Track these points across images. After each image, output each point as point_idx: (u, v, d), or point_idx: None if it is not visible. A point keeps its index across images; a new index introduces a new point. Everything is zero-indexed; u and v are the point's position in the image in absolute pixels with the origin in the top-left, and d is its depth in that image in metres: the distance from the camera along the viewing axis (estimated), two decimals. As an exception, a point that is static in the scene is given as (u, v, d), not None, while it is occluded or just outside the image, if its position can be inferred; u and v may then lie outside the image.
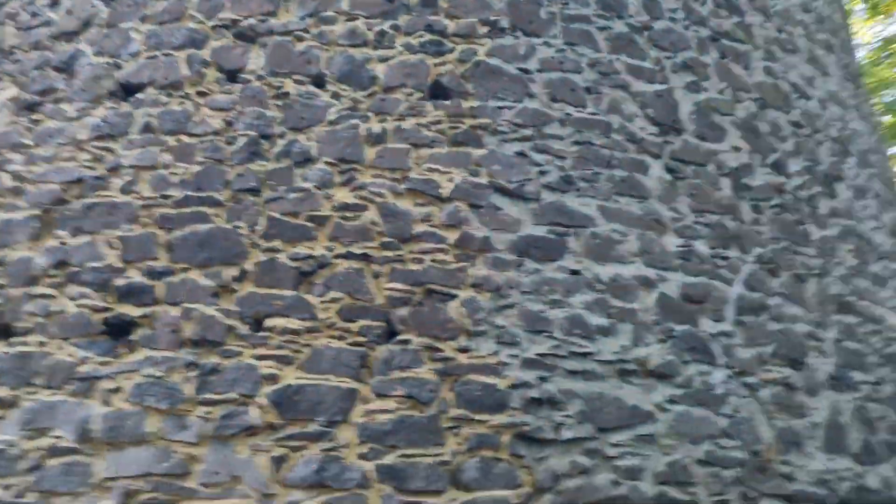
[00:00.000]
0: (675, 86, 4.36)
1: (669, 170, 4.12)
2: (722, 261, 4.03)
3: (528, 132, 3.87)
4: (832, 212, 4.81)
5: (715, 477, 3.47)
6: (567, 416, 3.34)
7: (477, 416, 3.26)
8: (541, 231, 3.69)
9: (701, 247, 4.00)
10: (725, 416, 3.65)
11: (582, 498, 3.20)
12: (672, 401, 3.56)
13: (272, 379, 3.22)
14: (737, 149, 4.41)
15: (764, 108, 4.69)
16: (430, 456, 3.16)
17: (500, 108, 3.88)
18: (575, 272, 3.64)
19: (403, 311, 3.41)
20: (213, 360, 3.25)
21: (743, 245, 4.15)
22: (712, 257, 4.00)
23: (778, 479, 3.63)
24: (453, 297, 3.46)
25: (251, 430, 3.13)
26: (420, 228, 3.56)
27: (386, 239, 3.52)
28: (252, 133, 3.68)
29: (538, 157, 3.83)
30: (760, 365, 3.89)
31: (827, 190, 4.87)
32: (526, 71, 4.01)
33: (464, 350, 3.37)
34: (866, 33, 14.12)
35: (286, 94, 3.77)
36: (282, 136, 3.69)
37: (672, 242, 3.93)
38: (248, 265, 3.43)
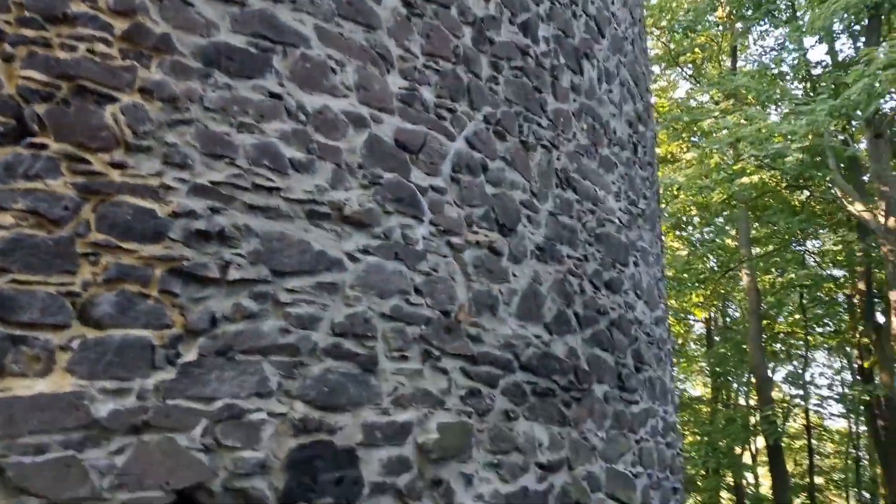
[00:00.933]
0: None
1: (407, 3, 3.71)
2: (447, 112, 3.77)
3: (240, -80, 3.21)
4: (573, 87, 4.75)
5: (398, 332, 3.32)
6: (238, 254, 2.94)
7: (124, 245, 2.74)
8: (240, 41, 3.13)
9: (427, 93, 3.70)
10: (421, 273, 3.49)
11: (241, 344, 2.87)
12: (366, 251, 3.30)
13: None
14: (486, -2, 4.11)
15: (523, -38, 4.41)
16: (54, 285, 2.62)
17: None
18: (275, 96, 3.16)
19: (41, 108, 2.73)
20: None
21: (473, 101, 3.93)
22: (437, 107, 3.73)
23: (464, 339, 3.58)
24: (113, 100, 2.83)
25: None
26: (78, 8, 2.84)
27: (27, 14, 2.76)
28: None
29: (249, -47, 3.21)
30: (468, 226, 3.76)
31: (572, 65, 4.78)
32: None
33: (118, 166, 2.79)
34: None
35: None
36: None
37: (395, 83, 3.57)
38: None
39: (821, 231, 20.24)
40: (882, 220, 15.12)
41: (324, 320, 3.11)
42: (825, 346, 26.62)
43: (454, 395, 3.47)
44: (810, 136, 13.05)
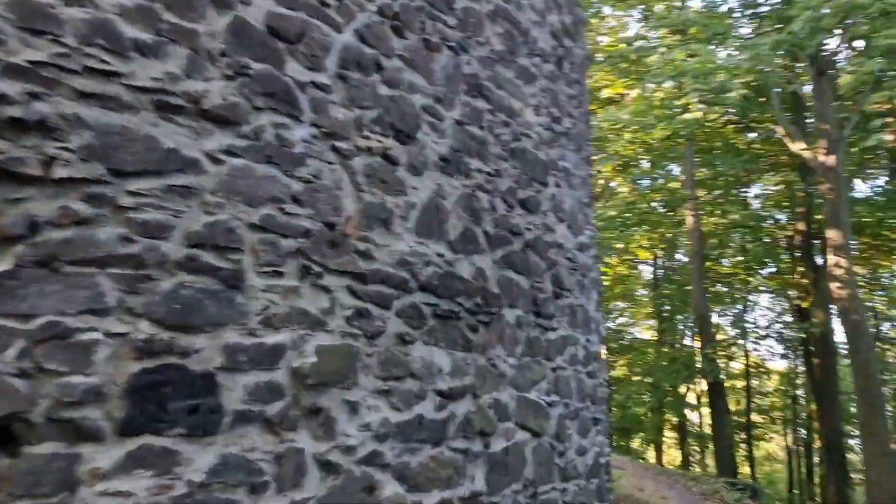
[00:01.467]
0: None
1: None
2: (332, 0, 3.34)
3: None
4: (487, -14, 4.34)
5: (270, 245, 2.94)
6: (66, 148, 2.50)
7: (-85, 133, 2.30)
8: None
9: (307, -24, 3.25)
10: (300, 180, 3.10)
11: (70, 254, 2.46)
12: (230, 152, 2.89)
13: None
14: None
15: None
16: None
17: None
18: (113, -35, 2.69)
19: None
20: None
21: (365, -11, 3.50)
22: (321, -8, 3.29)
23: (352, 255, 3.23)
24: None
25: None
26: None
27: None
28: None
29: None
30: (358, 130, 3.38)
31: (487, -39, 4.36)
32: None
33: None
34: None
35: None
36: None
37: (267, -40, 3.12)
38: None
39: (765, 175, 20.38)
40: (822, 158, 15.20)
41: (177, 229, 2.71)
42: (768, 288, 27.31)
43: (338, 316, 3.13)
44: (753, 72, 12.88)
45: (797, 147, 15.72)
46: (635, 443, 27.29)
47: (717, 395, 18.54)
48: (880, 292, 27.30)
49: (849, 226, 15.34)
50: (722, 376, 18.11)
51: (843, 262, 14.60)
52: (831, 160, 14.99)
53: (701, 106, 14.60)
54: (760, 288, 25.22)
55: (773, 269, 23.12)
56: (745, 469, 31.99)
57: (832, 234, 14.93)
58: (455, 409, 3.61)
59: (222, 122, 2.89)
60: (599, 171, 18.80)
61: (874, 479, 13.11)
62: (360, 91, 3.40)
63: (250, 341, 2.81)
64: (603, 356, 5.91)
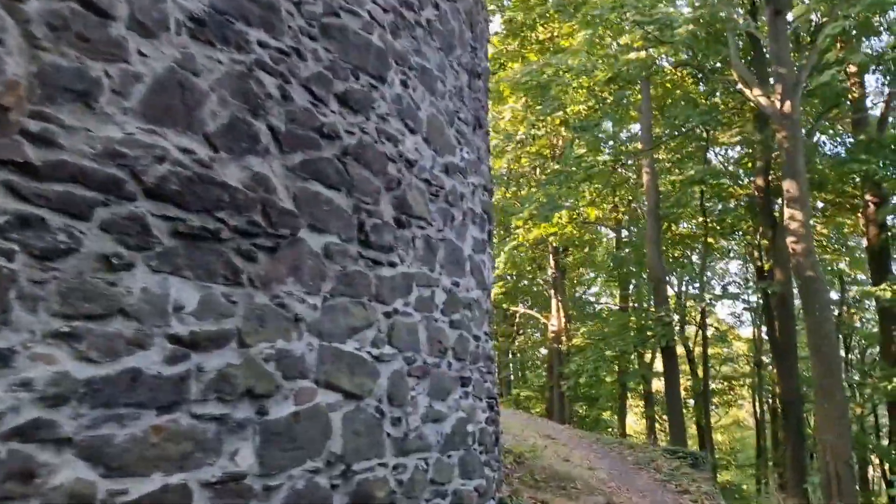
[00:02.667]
0: None
1: None
2: None
3: None
4: None
5: None
6: None
7: None
8: None
9: None
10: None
11: None
12: None
13: None
14: None
15: None
16: None
17: None
18: None
19: None
20: None
21: None
22: None
23: (16, 138, 2.25)
24: None
25: None
26: None
27: None
28: None
29: None
30: (33, -40, 2.37)
31: None
32: None
33: None
34: None
35: None
36: None
37: None
38: None
39: (723, 128, 19.61)
40: (778, 104, 14.42)
41: None
42: (732, 250, 26.78)
43: (-18, 224, 2.16)
44: (702, 6, 11.96)
45: (753, 93, 14.92)
46: (606, 414, 26.70)
47: (669, 360, 17.86)
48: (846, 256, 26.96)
49: (805, 176, 14.60)
50: (673, 340, 17.42)
51: (798, 214, 13.87)
52: (787, 106, 14.19)
53: (648, 47, 13.67)
54: (722, 249, 24.64)
55: (737, 231, 22.50)
56: (717, 437, 31.83)
57: (788, 186, 14.17)
58: (203, 361, 2.66)
59: None
60: (542, 121, 17.85)
61: (827, 444, 12.53)
62: None
63: None
64: (488, 304, 5.01)
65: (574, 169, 16.11)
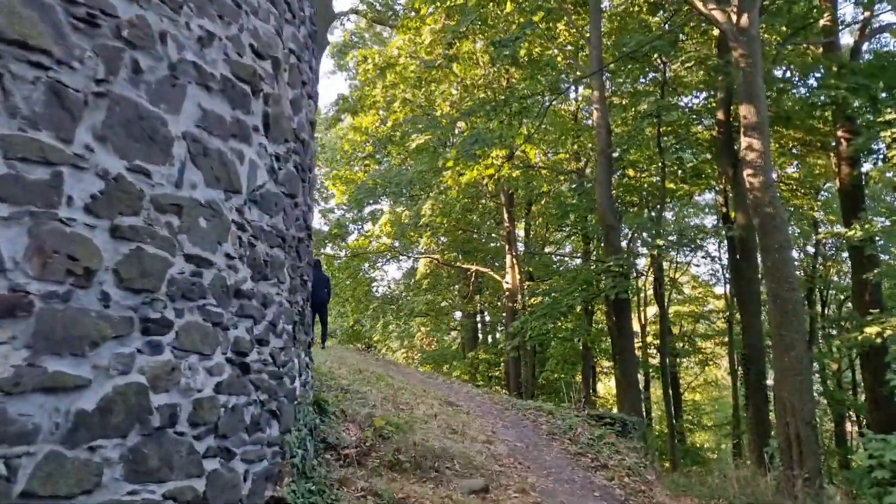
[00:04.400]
0: None
1: None
2: None
3: None
4: None
5: None
6: None
7: None
8: None
9: None
10: None
11: None
12: None
13: None
14: None
15: None
16: None
17: None
18: None
19: None
20: None
21: None
22: None
23: None
24: None
25: None
26: None
27: None
28: None
29: None
30: None
31: None
32: None
33: None
34: None
35: None
36: None
37: None
38: None
39: (677, 52, 18.09)
40: (734, 17, 12.90)
41: None
42: (707, 205, 25.47)
43: None
44: None
45: (707, 7, 13.38)
46: (578, 378, 25.39)
47: (620, 314, 16.46)
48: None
49: (764, 100, 13.14)
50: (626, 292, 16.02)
51: (756, 143, 12.43)
52: (745, 20, 12.68)
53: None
54: (686, 195, 23.26)
55: (701, 175, 21.07)
56: (695, 397, 30.82)
57: (745, 111, 12.70)
58: None
59: None
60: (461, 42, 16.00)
61: (786, 402, 11.26)
62: None
63: None
64: (264, 222, 3.47)
65: (502, 98, 14.43)
